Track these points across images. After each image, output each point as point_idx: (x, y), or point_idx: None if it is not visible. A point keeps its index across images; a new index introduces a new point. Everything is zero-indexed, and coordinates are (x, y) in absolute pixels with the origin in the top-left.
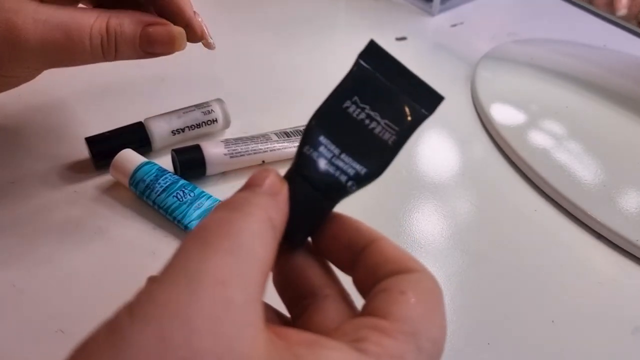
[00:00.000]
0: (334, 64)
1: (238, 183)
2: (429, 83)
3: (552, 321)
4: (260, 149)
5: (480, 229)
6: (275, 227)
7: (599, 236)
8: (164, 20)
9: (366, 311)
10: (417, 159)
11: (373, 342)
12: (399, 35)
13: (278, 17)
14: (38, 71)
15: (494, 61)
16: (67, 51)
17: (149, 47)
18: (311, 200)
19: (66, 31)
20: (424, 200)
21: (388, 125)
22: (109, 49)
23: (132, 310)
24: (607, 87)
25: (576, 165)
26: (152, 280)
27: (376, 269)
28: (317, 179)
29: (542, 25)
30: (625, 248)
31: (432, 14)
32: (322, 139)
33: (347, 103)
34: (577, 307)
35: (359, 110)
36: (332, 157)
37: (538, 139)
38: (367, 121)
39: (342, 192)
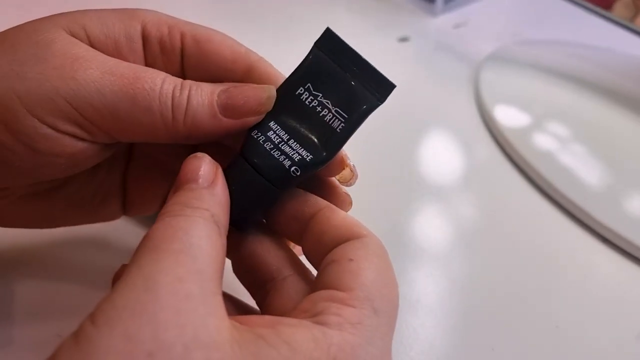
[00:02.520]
0: None
1: None
2: (431, 83)
3: (557, 326)
4: None
5: (484, 232)
6: (219, 222)
7: (605, 240)
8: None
9: (320, 285)
10: (419, 162)
11: (332, 313)
12: (401, 36)
13: (277, 17)
14: (93, 142)
15: (498, 62)
16: (132, 92)
17: (230, 107)
18: (256, 185)
19: (135, 71)
20: (426, 204)
21: (338, 113)
22: (180, 103)
23: (95, 318)
24: (613, 89)
25: (581, 168)
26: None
27: (322, 236)
28: (261, 164)
29: (547, 27)
30: (631, 252)
31: (434, 15)
32: (272, 124)
33: (300, 90)
34: (581, 312)
35: (311, 97)
36: (279, 143)
37: (543, 141)
38: (318, 108)
39: (286, 176)
